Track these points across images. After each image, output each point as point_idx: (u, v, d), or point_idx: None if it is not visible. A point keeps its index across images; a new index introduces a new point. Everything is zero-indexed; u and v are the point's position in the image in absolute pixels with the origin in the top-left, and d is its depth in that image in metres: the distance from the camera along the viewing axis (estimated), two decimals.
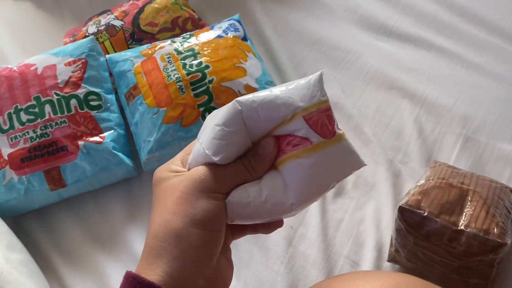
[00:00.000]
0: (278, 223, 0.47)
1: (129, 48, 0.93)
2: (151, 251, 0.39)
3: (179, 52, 0.85)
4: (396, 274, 0.42)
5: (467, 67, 0.92)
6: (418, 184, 0.65)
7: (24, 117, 0.79)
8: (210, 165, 0.41)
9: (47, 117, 0.79)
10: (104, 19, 0.97)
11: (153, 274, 0.37)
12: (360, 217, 0.75)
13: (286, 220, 0.75)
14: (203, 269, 0.39)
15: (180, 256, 0.37)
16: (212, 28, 0.91)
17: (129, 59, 0.86)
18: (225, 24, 0.91)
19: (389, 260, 0.67)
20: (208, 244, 0.39)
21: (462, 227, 0.59)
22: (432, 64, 0.94)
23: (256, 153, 0.41)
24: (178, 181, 0.40)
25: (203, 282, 0.38)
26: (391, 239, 0.66)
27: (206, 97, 0.79)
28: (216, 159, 0.40)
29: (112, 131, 0.81)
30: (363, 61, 0.96)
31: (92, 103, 0.82)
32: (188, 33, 0.91)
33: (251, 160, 0.41)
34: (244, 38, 0.90)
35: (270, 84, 0.84)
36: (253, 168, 0.41)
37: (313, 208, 0.76)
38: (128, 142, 0.84)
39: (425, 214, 0.60)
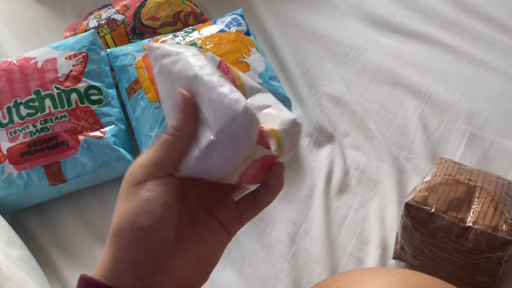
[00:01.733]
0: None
1: (130, 42, 0.92)
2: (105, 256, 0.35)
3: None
4: (404, 271, 0.41)
5: (472, 63, 0.91)
6: (425, 180, 0.64)
7: (24, 111, 0.78)
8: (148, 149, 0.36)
9: (47, 111, 0.78)
10: (105, 13, 0.96)
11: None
12: (365, 214, 0.74)
13: (289, 217, 0.75)
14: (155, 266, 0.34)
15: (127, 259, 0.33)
16: (214, 23, 0.90)
17: (131, 53, 0.85)
18: (227, 19, 0.90)
19: (394, 258, 0.66)
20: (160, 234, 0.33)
21: (470, 224, 0.58)
22: (437, 60, 0.93)
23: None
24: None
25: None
26: (396, 236, 0.65)
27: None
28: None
29: (113, 126, 0.80)
30: (367, 57, 0.95)
31: (92, 97, 0.80)
32: (190, 27, 0.90)
33: (172, 124, 0.36)
34: (247, 33, 0.89)
35: (274, 79, 0.83)
36: (175, 128, 0.35)
37: (317, 204, 0.75)
38: (129, 137, 0.83)
39: (432, 210, 0.59)
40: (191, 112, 0.35)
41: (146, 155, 0.35)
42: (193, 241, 0.36)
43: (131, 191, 0.34)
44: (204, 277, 0.37)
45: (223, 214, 0.38)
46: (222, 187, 0.39)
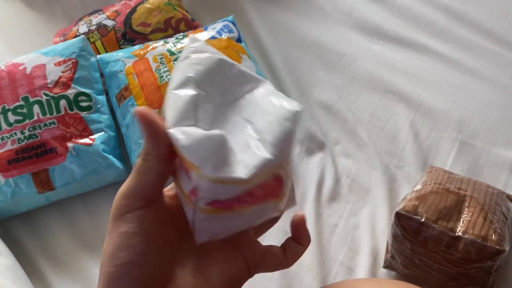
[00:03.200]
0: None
1: (120, 48, 0.91)
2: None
3: (172, 53, 0.83)
4: (395, 282, 0.40)
5: (462, 71, 0.92)
6: (415, 189, 0.64)
7: (11, 117, 0.77)
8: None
9: (35, 118, 0.77)
10: (95, 19, 0.95)
11: None
12: (355, 222, 0.74)
13: (279, 225, 0.74)
14: None
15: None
16: (206, 29, 0.90)
17: (121, 59, 0.84)
18: (219, 25, 0.90)
19: (385, 267, 0.66)
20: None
21: (460, 234, 0.58)
22: (428, 68, 0.93)
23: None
24: None
25: None
26: (387, 245, 0.65)
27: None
28: None
29: (103, 133, 0.79)
30: (358, 65, 0.95)
31: (82, 104, 0.80)
32: (181, 34, 0.90)
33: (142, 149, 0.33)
34: (239, 40, 0.89)
35: None
36: (146, 153, 0.32)
37: (308, 212, 0.75)
38: (119, 145, 0.82)
39: (422, 220, 0.59)
40: (156, 132, 0.31)
41: (124, 184, 0.32)
42: (195, 278, 0.33)
43: (113, 225, 0.31)
44: None
45: (248, 248, 0.36)
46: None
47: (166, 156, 0.32)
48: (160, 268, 0.32)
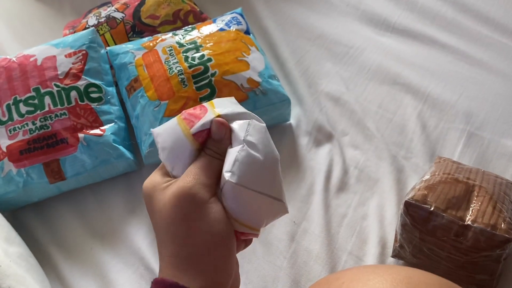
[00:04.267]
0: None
1: (129, 40, 0.92)
2: (176, 267, 0.40)
3: (181, 45, 0.83)
4: (406, 268, 0.41)
5: (470, 63, 0.92)
6: (424, 179, 0.65)
7: (23, 108, 0.77)
8: (192, 170, 0.41)
9: (46, 109, 0.77)
10: (104, 11, 0.95)
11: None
12: (364, 212, 0.74)
13: (288, 216, 0.75)
14: (229, 276, 0.41)
15: (206, 271, 0.39)
16: (214, 22, 0.90)
17: (130, 51, 0.85)
18: (227, 17, 0.90)
19: (393, 256, 0.67)
20: (228, 252, 0.40)
21: (469, 222, 0.58)
22: (435, 60, 0.93)
23: (214, 140, 0.43)
24: (172, 196, 0.40)
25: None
26: (396, 234, 0.66)
27: (209, 90, 0.78)
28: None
29: (113, 124, 0.80)
30: (366, 57, 0.95)
31: (92, 95, 0.80)
32: (190, 26, 0.90)
33: (214, 148, 0.42)
34: (247, 32, 0.89)
35: (273, 78, 0.83)
36: (220, 154, 0.42)
37: (316, 203, 0.75)
38: (129, 136, 0.83)
39: (432, 209, 0.59)
40: (228, 140, 0.43)
41: (197, 175, 0.41)
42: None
43: (203, 209, 0.40)
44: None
45: None
46: None
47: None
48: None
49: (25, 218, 0.79)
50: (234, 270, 0.41)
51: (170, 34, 0.87)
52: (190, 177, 0.40)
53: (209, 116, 0.43)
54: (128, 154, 0.78)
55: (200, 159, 0.42)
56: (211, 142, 0.42)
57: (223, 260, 0.39)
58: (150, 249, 0.73)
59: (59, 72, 0.80)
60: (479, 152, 0.79)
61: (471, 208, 0.60)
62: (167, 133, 0.43)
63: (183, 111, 0.45)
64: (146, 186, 0.43)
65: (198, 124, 0.42)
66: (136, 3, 0.95)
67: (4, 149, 0.76)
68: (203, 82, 0.79)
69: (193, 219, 0.39)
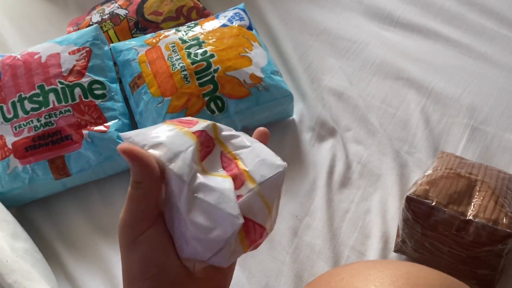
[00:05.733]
0: None
1: (133, 37, 0.92)
2: None
3: (183, 41, 0.84)
4: (407, 263, 0.41)
5: (474, 57, 0.91)
6: (426, 174, 0.65)
7: (28, 105, 0.78)
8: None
9: (51, 105, 0.78)
10: (108, 8, 0.96)
11: None
12: (366, 208, 0.74)
13: (291, 210, 0.75)
14: None
15: None
16: (217, 17, 0.90)
17: (133, 48, 0.85)
18: (230, 13, 0.90)
19: (395, 251, 0.67)
20: (157, 285, 0.35)
21: (471, 217, 0.58)
22: (439, 54, 0.93)
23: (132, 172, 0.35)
24: None
25: None
26: (398, 229, 0.66)
27: (211, 86, 0.79)
28: None
29: (117, 120, 0.80)
30: (369, 51, 0.95)
31: (96, 92, 0.81)
32: (192, 22, 0.90)
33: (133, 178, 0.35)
34: (250, 27, 0.89)
35: (276, 73, 0.83)
36: (136, 181, 0.34)
37: (319, 198, 0.75)
38: None
39: (433, 204, 0.59)
40: (144, 163, 0.33)
41: (125, 214, 0.35)
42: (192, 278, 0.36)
43: (127, 250, 0.35)
44: None
45: None
46: None
47: (160, 176, 0.34)
48: (178, 272, 0.35)
49: (31, 214, 0.80)
50: None
51: (173, 30, 0.87)
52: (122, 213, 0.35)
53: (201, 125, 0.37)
54: None
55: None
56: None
57: None
58: None
59: (63, 69, 0.81)
60: (483, 146, 0.79)
61: (473, 203, 0.60)
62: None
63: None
64: None
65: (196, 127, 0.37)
66: None
67: (10, 146, 0.77)
68: (206, 78, 0.79)
69: (123, 255, 0.36)
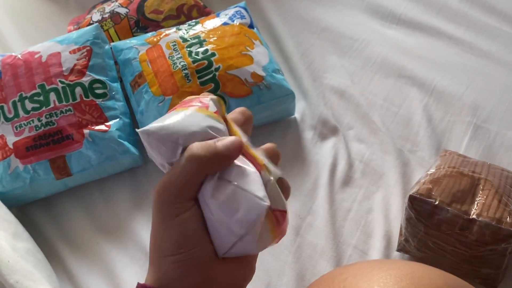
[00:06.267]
0: None
1: (133, 36, 0.92)
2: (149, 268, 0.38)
3: (184, 40, 0.83)
4: (410, 263, 0.41)
5: (477, 55, 0.91)
6: (429, 172, 0.64)
7: (29, 105, 0.78)
8: (167, 173, 0.35)
9: (52, 105, 0.78)
10: (108, 7, 0.95)
11: None
12: (369, 206, 0.74)
13: (293, 209, 0.75)
14: (192, 281, 0.35)
15: (166, 276, 0.36)
16: (218, 16, 0.90)
17: (134, 47, 0.85)
18: (231, 11, 0.90)
19: (398, 250, 0.67)
20: (185, 263, 0.35)
21: (474, 216, 0.58)
22: (442, 52, 0.92)
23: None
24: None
25: None
26: (400, 228, 0.66)
27: (213, 85, 0.78)
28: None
29: (118, 119, 0.80)
30: (371, 49, 0.94)
31: (97, 91, 0.81)
32: (193, 20, 0.90)
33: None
34: (251, 26, 0.89)
35: (277, 72, 0.83)
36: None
37: (321, 197, 0.75)
38: (134, 131, 0.83)
39: (436, 203, 0.59)
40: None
41: (169, 186, 0.35)
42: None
43: (166, 225, 0.35)
44: (246, 277, 0.39)
45: None
46: None
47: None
48: (209, 255, 0.36)
49: (33, 214, 0.80)
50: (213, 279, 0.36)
51: (174, 29, 0.87)
52: (166, 179, 0.36)
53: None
54: (133, 149, 0.79)
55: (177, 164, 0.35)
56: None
57: (181, 271, 0.35)
58: None
59: (63, 69, 0.80)
60: (486, 145, 0.78)
61: (476, 202, 0.59)
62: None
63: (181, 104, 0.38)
64: None
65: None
66: None
67: (11, 146, 0.76)
68: (207, 77, 0.79)
69: (156, 224, 0.35)
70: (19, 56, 0.82)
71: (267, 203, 0.34)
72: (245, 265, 0.38)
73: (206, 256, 0.35)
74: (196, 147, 0.34)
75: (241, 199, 0.34)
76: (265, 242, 0.35)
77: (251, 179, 0.35)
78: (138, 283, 0.37)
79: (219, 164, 0.35)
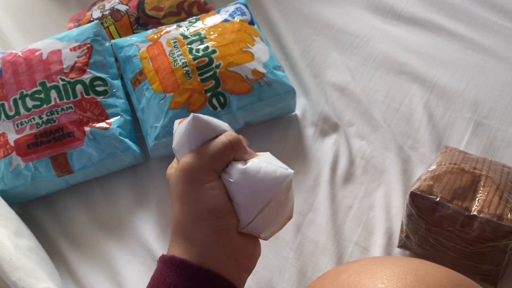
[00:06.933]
0: None
1: (134, 33, 0.92)
2: (172, 240, 0.42)
3: (185, 37, 0.83)
4: (414, 260, 0.41)
5: (478, 51, 0.91)
6: (430, 169, 0.64)
7: (29, 103, 0.78)
8: (194, 150, 0.42)
9: (53, 102, 0.78)
10: (108, 4, 0.95)
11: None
12: (370, 203, 0.74)
13: (294, 206, 0.75)
14: (223, 249, 0.40)
15: (199, 244, 0.39)
16: (218, 12, 0.90)
17: (135, 44, 0.85)
18: (231, 8, 0.90)
19: (399, 246, 0.67)
20: (221, 229, 0.39)
21: (475, 213, 0.58)
22: (443, 48, 0.92)
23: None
24: (174, 176, 0.42)
25: (225, 259, 0.40)
26: (402, 225, 0.66)
27: (213, 82, 0.78)
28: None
29: (119, 117, 0.80)
30: (372, 46, 0.94)
31: (98, 88, 0.81)
32: (194, 17, 0.90)
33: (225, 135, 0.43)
34: (251, 22, 0.89)
35: (278, 69, 0.82)
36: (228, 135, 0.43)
37: (322, 193, 0.75)
38: (135, 128, 0.83)
39: (437, 199, 0.59)
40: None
41: (199, 157, 0.41)
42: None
43: (198, 190, 0.40)
44: (253, 259, 0.44)
45: None
46: None
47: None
48: (235, 226, 0.41)
49: (34, 212, 0.80)
50: (236, 254, 0.41)
51: (175, 26, 0.87)
52: (188, 157, 0.41)
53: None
54: (134, 147, 0.79)
55: (212, 144, 0.42)
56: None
57: (217, 237, 0.40)
58: (158, 241, 0.74)
59: (64, 66, 0.80)
60: (487, 141, 0.78)
61: (477, 198, 0.59)
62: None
63: None
64: (167, 172, 0.45)
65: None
66: None
67: (12, 143, 0.76)
68: (207, 74, 0.79)
69: (188, 192, 0.40)
70: (20, 53, 0.82)
71: (291, 170, 0.41)
72: (256, 244, 0.43)
73: (235, 226, 0.40)
74: (225, 135, 0.42)
75: (268, 170, 0.41)
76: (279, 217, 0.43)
77: (270, 157, 0.43)
78: (164, 255, 0.40)
79: (239, 148, 0.42)
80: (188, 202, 0.40)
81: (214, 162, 0.41)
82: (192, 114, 0.43)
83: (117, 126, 0.79)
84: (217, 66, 0.79)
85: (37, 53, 0.81)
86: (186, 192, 0.40)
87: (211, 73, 0.79)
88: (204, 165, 0.40)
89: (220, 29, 0.84)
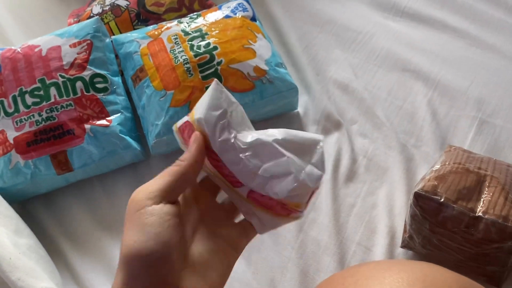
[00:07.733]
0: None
1: (134, 29, 0.90)
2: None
3: (186, 33, 0.82)
4: (423, 264, 0.40)
5: (482, 48, 0.90)
6: (434, 169, 0.64)
7: (29, 100, 0.77)
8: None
9: (52, 100, 0.77)
10: None
11: None
12: (373, 202, 0.73)
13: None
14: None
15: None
16: (220, 8, 0.88)
17: (135, 40, 0.84)
18: (233, 4, 0.89)
19: (402, 246, 0.66)
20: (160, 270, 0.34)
21: (480, 214, 0.57)
22: (446, 45, 0.91)
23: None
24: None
25: None
26: (405, 224, 0.65)
27: (215, 79, 0.77)
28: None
29: (119, 114, 0.79)
30: (375, 42, 0.93)
31: (98, 85, 0.80)
32: (195, 13, 0.89)
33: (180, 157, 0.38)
34: (253, 18, 0.88)
35: (280, 66, 0.82)
36: (181, 159, 0.37)
37: (324, 192, 0.75)
38: (135, 126, 0.82)
39: (442, 200, 0.58)
40: (199, 149, 0.37)
41: (151, 183, 0.36)
42: (199, 264, 0.37)
43: (134, 216, 0.35)
44: None
45: (228, 232, 0.40)
46: (223, 207, 0.42)
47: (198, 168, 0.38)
48: (179, 256, 0.35)
49: (34, 210, 0.79)
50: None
51: (175, 22, 0.86)
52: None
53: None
54: (135, 144, 0.78)
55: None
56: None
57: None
58: None
59: (64, 63, 0.79)
60: (491, 140, 0.78)
61: (482, 199, 0.59)
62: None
63: None
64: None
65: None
66: None
67: (11, 141, 0.76)
68: (209, 71, 0.78)
69: (128, 224, 0.35)
70: (19, 49, 0.81)
71: (321, 137, 0.41)
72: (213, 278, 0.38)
73: (176, 256, 0.35)
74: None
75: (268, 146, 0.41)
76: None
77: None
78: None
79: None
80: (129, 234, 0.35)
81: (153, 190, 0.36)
82: (214, 79, 0.42)
83: (118, 124, 0.78)
84: (219, 63, 0.78)
85: (37, 50, 0.80)
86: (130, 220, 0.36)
87: (213, 70, 0.78)
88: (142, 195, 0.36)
89: (221, 25, 0.83)
